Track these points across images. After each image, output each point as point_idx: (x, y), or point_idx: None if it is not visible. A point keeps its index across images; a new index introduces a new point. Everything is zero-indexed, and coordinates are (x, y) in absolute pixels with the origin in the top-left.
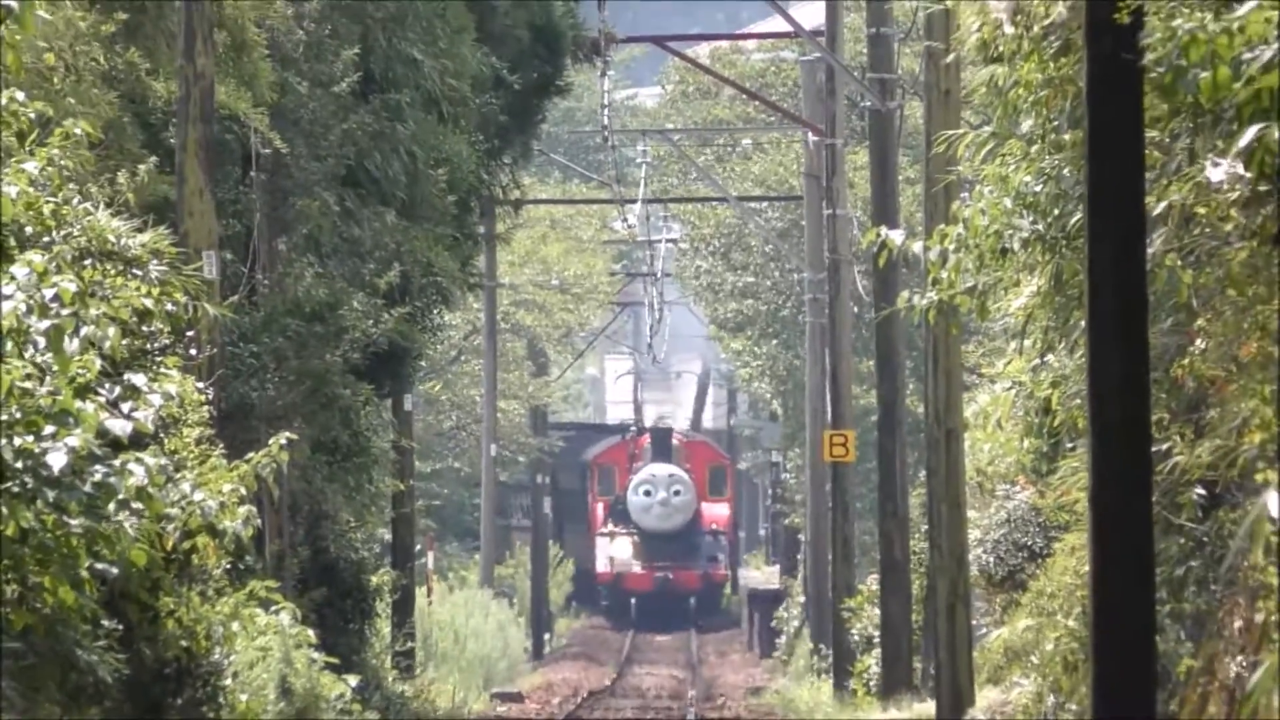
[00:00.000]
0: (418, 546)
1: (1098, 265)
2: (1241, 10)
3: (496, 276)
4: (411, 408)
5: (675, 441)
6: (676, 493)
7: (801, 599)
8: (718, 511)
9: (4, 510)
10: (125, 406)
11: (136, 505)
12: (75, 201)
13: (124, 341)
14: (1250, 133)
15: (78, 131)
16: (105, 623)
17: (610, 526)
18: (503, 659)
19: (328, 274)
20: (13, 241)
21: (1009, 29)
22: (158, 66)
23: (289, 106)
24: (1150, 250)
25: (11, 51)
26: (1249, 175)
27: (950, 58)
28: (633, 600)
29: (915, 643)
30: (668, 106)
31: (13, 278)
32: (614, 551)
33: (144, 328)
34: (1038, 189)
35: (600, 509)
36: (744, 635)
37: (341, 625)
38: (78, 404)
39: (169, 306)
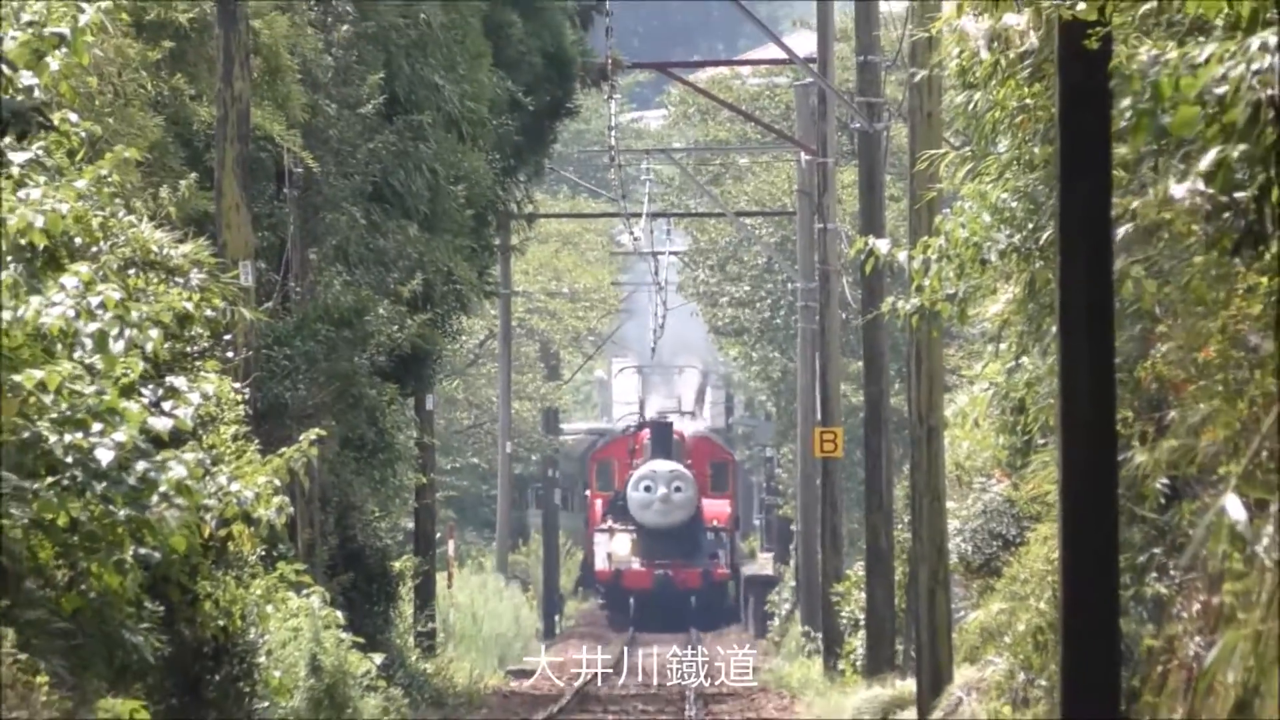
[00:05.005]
0: (438, 535)
1: (1068, 275)
2: (1206, 51)
3: (511, 285)
4: (433, 407)
5: (677, 437)
6: (678, 489)
7: (793, 584)
8: (719, 508)
9: (55, 501)
10: (166, 405)
11: (179, 500)
12: (121, 215)
13: (165, 345)
14: (1210, 155)
15: (127, 155)
16: (148, 605)
17: (609, 523)
18: (517, 638)
19: (355, 282)
20: (64, 252)
21: (985, 54)
22: (201, 91)
23: (319, 127)
24: (1116, 262)
25: (65, 82)
26: (1210, 190)
27: (922, 74)
28: (631, 599)
29: (898, 625)
30: (670, 128)
31: (62, 286)
32: (613, 548)
33: (184, 332)
34: (1013, 205)
35: (599, 504)
36: (740, 620)
37: (367, 608)
38: (123, 403)
39: (208, 312)
